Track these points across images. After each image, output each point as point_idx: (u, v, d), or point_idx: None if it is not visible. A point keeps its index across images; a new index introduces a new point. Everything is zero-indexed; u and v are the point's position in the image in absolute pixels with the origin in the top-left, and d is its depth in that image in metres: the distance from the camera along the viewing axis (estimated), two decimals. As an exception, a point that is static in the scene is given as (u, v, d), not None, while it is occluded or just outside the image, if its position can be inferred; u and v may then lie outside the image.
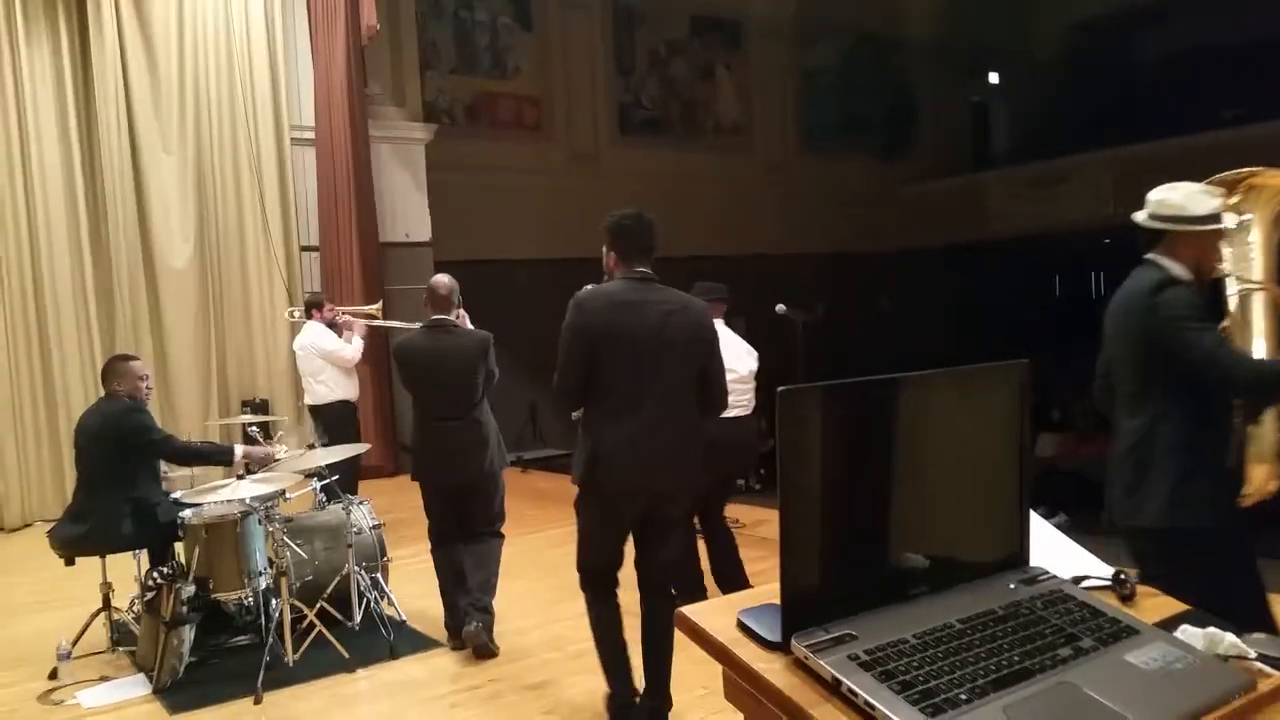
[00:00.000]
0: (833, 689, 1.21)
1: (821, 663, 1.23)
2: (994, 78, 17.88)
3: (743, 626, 1.34)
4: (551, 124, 13.19)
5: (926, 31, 16.58)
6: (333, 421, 6.74)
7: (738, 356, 4.86)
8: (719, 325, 4.42)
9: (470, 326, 4.73)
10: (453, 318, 4.58)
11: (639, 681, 3.46)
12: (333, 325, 7.01)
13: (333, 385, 6.84)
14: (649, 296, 3.24)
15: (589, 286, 3.36)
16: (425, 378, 4.50)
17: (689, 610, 1.40)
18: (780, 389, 1.28)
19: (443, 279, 4.62)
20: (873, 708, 1.15)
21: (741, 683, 1.29)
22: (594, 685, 3.92)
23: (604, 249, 3.38)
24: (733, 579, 4.87)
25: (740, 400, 4.78)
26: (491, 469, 4.55)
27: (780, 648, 1.29)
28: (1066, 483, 10.48)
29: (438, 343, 4.49)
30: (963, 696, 1.18)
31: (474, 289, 11.97)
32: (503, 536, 4.66)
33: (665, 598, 3.43)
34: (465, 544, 4.55)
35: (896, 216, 15.99)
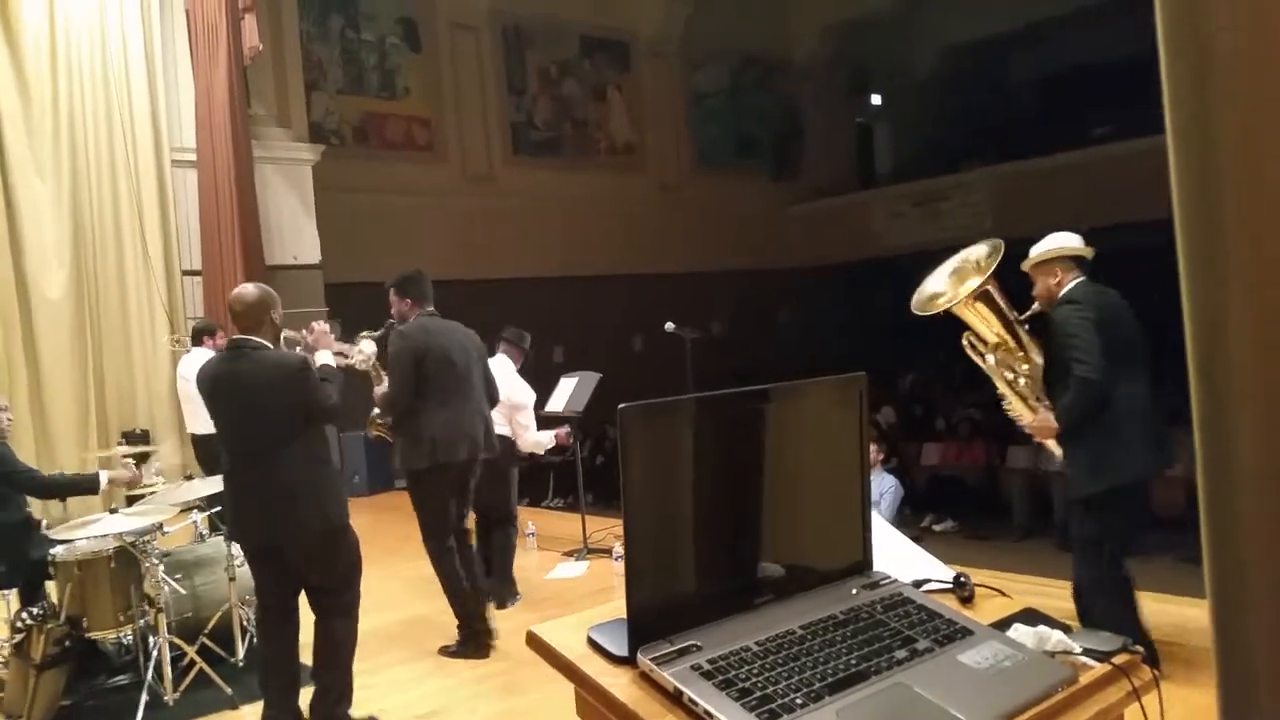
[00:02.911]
0: (675, 700, 1.25)
1: (664, 674, 1.27)
2: (876, 99, 18.47)
3: (592, 643, 1.38)
4: (443, 144, 13.12)
5: (811, 54, 17.06)
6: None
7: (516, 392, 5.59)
8: (504, 361, 5.62)
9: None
10: (258, 339, 3.59)
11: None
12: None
13: None
14: (445, 326, 4.64)
15: (408, 322, 4.66)
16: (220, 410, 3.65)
17: (540, 629, 1.43)
18: (620, 406, 1.32)
19: (248, 289, 3.66)
20: (711, 715, 1.20)
21: (591, 699, 1.32)
22: (487, 711, 3.91)
23: (393, 297, 4.75)
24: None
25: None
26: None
27: (627, 662, 1.33)
28: (950, 489, 10.85)
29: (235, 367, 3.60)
30: (798, 701, 1.24)
31: (368, 311, 11.74)
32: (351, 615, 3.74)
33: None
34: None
35: (788, 235, 16.39)
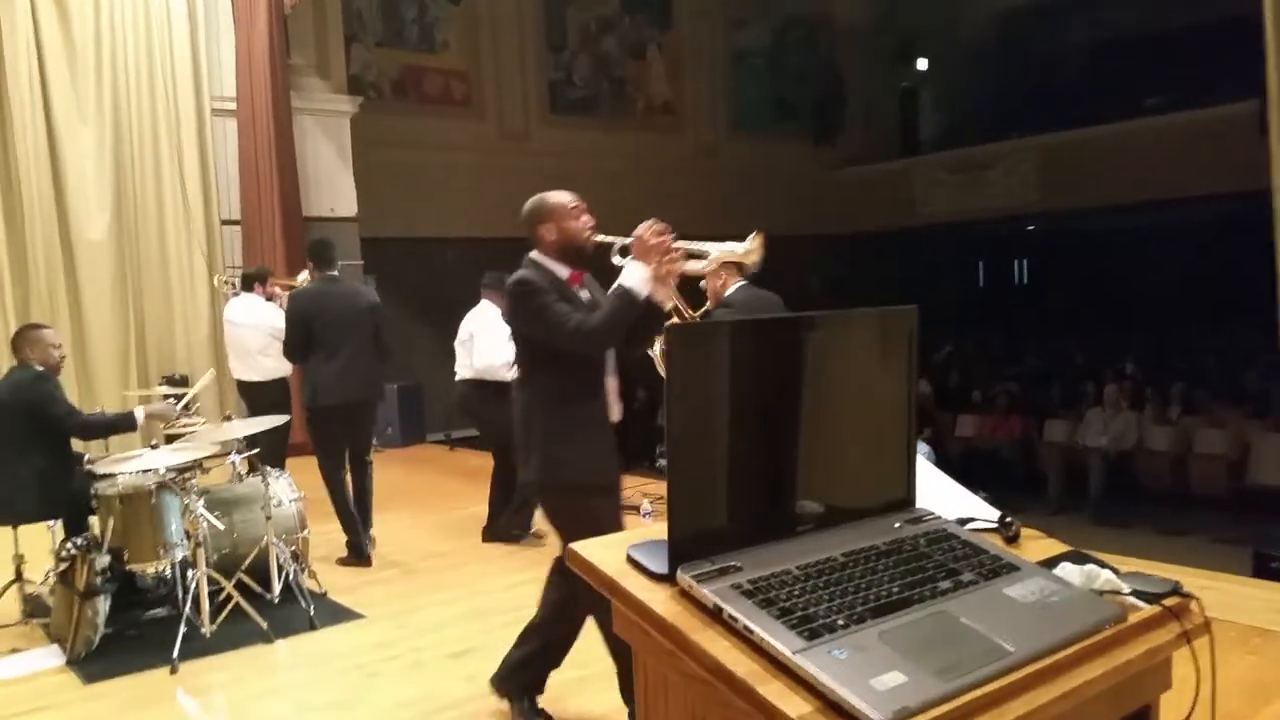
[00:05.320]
0: (714, 616, 1.24)
1: (704, 591, 1.26)
2: (922, 63, 18.12)
3: (632, 561, 1.37)
4: (481, 100, 13.05)
5: (856, 16, 16.73)
6: (274, 400, 6.53)
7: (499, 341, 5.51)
8: (489, 307, 5.70)
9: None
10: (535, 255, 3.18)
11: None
12: (269, 300, 6.85)
13: (279, 361, 6.62)
14: (336, 289, 5.37)
15: (305, 286, 5.76)
16: None
17: (579, 546, 1.42)
18: (669, 324, 1.30)
19: (528, 203, 3.13)
20: (751, 631, 1.19)
21: (629, 614, 1.32)
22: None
23: (307, 262, 5.75)
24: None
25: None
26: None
27: (667, 579, 1.32)
28: (985, 461, 10.77)
29: None
30: (840, 622, 1.23)
31: (403, 266, 11.76)
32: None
33: (363, 466, 5.53)
34: None
35: (826, 201, 16.18)
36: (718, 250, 2.87)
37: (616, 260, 2.93)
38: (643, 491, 6.62)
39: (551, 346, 2.85)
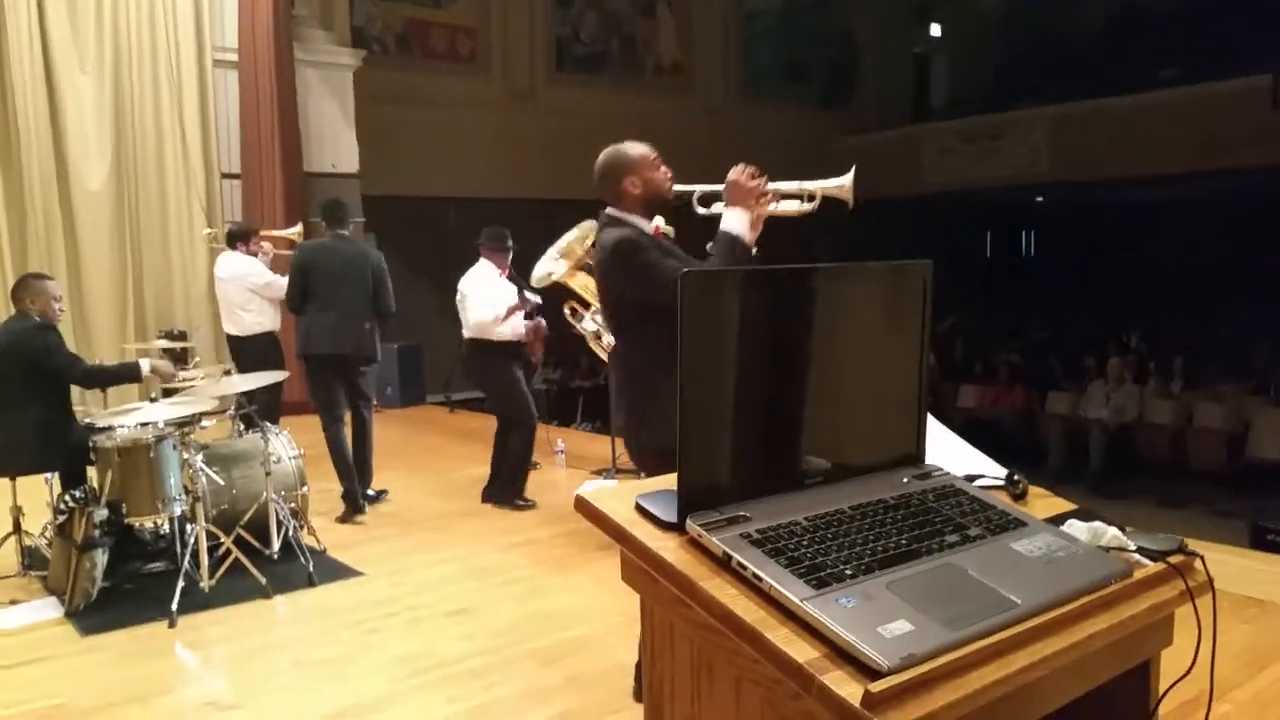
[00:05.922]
0: (723, 564, 1.23)
1: (714, 539, 1.25)
2: (936, 29, 17.86)
3: (641, 510, 1.36)
4: (487, 57, 12.86)
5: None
6: (259, 353, 6.56)
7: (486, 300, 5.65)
8: (484, 266, 5.78)
9: None
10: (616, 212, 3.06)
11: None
12: (254, 255, 6.84)
13: (260, 316, 6.71)
14: (340, 246, 5.51)
15: (312, 239, 5.97)
16: None
17: (589, 495, 1.41)
18: (683, 270, 1.28)
19: (601, 156, 2.95)
20: (760, 579, 1.18)
21: (638, 561, 1.31)
22: (513, 612, 3.97)
23: (322, 221, 5.75)
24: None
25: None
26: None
27: (676, 528, 1.31)
28: (986, 432, 10.77)
29: None
30: (848, 572, 1.22)
31: (404, 225, 11.66)
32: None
33: (362, 422, 5.63)
34: None
35: (834, 166, 15.96)
36: (819, 186, 2.82)
37: (700, 210, 2.87)
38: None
39: (658, 304, 2.56)
